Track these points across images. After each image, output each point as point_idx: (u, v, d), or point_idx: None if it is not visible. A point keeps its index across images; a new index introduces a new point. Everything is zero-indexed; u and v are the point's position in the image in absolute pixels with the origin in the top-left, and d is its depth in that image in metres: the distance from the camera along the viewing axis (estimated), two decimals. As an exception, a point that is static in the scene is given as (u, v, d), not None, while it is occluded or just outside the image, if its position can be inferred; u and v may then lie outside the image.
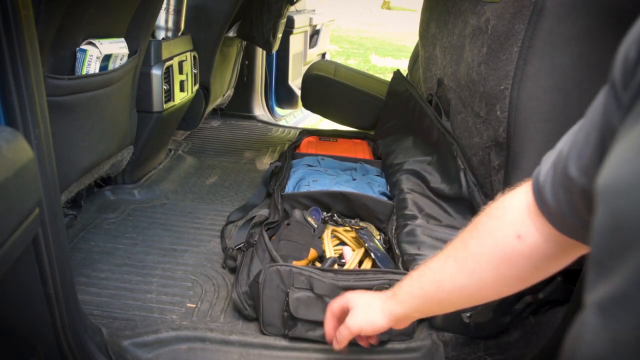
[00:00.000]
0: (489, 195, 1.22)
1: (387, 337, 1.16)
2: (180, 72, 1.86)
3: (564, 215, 0.50)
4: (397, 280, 1.12)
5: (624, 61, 0.36)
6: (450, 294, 0.67)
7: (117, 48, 1.38)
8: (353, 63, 7.39)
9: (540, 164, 0.54)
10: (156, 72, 1.70)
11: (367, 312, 0.84)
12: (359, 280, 1.11)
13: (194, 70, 1.98)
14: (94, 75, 1.31)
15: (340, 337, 0.87)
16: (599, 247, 0.32)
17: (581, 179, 0.46)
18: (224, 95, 2.73)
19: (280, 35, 2.69)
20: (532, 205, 0.55)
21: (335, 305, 0.91)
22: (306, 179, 1.72)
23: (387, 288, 1.11)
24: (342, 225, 1.51)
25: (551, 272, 0.59)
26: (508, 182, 1.05)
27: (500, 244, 0.59)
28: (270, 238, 1.40)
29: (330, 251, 1.36)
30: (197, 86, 2.08)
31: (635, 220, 0.28)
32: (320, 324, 1.12)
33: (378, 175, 1.84)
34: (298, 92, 3.14)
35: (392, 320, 0.81)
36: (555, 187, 0.50)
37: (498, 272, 0.60)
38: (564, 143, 0.50)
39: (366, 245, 1.34)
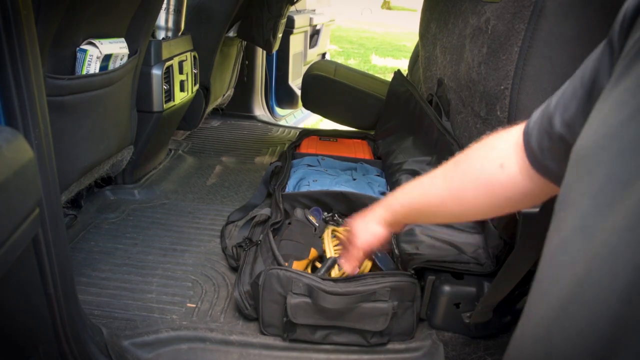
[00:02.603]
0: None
1: (387, 337, 1.16)
2: (181, 72, 1.86)
3: (544, 159, 0.55)
4: (397, 281, 1.13)
5: (621, 21, 0.39)
6: (434, 207, 0.76)
7: (117, 48, 1.38)
8: (353, 63, 7.39)
9: (535, 111, 0.59)
10: (156, 72, 1.70)
11: (367, 228, 0.95)
12: (360, 286, 1.11)
13: (194, 70, 1.98)
14: (94, 75, 1.31)
15: (352, 259, 1.01)
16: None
17: (563, 130, 0.50)
18: (224, 95, 2.73)
19: (280, 35, 2.69)
20: (519, 143, 0.60)
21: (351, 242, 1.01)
22: (306, 179, 1.72)
23: (387, 292, 1.11)
24: (342, 224, 1.51)
25: (522, 206, 0.66)
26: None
27: (485, 168, 0.64)
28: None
29: (330, 251, 1.36)
30: (197, 86, 2.08)
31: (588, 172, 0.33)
32: (319, 327, 1.13)
33: (378, 175, 1.84)
34: (298, 92, 3.14)
35: (387, 226, 0.92)
36: (540, 134, 0.54)
37: (477, 194, 0.66)
38: (555, 95, 0.54)
39: (366, 245, 1.34)
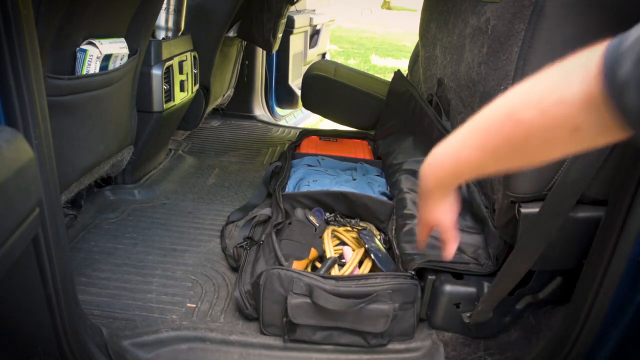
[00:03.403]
0: (489, 195, 1.22)
1: (387, 338, 1.16)
2: (181, 72, 1.86)
3: None
4: (399, 284, 1.13)
5: None
6: (486, 164, 0.60)
7: (117, 48, 1.38)
8: (353, 63, 7.39)
9: (618, 44, 0.40)
10: (156, 72, 1.70)
11: (446, 205, 0.75)
12: (360, 286, 1.11)
13: (194, 70, 1.98)
14: (94, 75, 1.31)
15: (453, 238, 0.79)
16: None
17: None
18: (224, 95, 2.73)
19: (280, 35, 2.69)
20: (598, 91, 0.41)
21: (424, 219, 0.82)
22: (306, 179, 1.72)
23: (389, 294, 1.11)
24: (343, 225, 1.51)
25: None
26: (508, 183, 1.05)
27: (550, 135, 0.48)
28: (270, 238, 1.40)
29: (330, 251, 1.36)
30: (197, 86, 2.08)
31: None
32: (319, 328, 1.12)
33: (378, 175, 1.84)
34: (298, 92, 3.14)
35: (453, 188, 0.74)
36: None
37: (541, 153, 0.52)
38: None
39: (367, 246, 1.34)
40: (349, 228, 1.49)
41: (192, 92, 2.00)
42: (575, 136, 0.45)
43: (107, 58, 1.36)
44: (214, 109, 2.72)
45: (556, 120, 0.46)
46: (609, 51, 0.41)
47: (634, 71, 0.37)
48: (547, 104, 0.47)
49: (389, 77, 2.38)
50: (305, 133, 2.25)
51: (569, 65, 0.47)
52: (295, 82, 3.27)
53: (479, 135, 0.59)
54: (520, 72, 0.97)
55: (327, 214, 1.54)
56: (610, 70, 0.40)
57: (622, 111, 0.40)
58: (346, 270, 1.29)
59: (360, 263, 1.34)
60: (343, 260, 1.36)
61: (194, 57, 1.98)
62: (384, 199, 1.59)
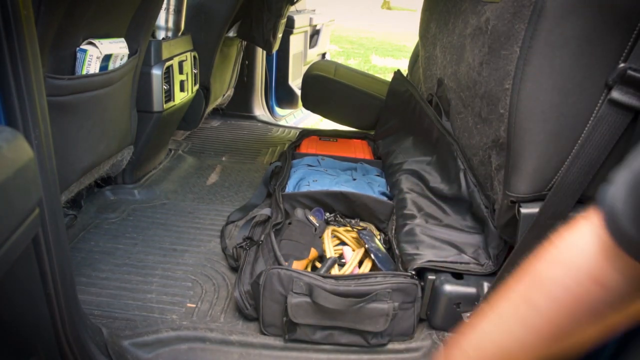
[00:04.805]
0: (490, 195, 1.22)
1: (387, 338, 1.16)
2: (181, 72, 1.86)
3: None
4: (398, 283, 1.13)
5: None
6: (523, 349, 0.56)
7: (117, 48, 1.38)
8: (353, 63, 7.39)
9: (608, 190, 0.45)
10: (156, 72, 1.70)
11: None
12: (360, 285, 1.11)
13: (194, 70, 1.98)
14: (94, 75, 1.31)
15: None
16: None
17: None
18: (224, 95, 2.73)
19: (280, 35, 2.69)
20: (607, 243, 0.45)
21: None
22: (306, 179, 1.72)
23: (389, 293, 1.11)
24: (343, 225, 1.51)
25: (632, 310, 0.50)
26: (508, 183, 1.05)
27: (575, 293, 0.49)
28: (270, 238, 1.40)
29: (330, 251, 1.36)
30: (197, 86, 2.08)
31: None
32: (319, 327, 1.13)
33: (378, 175, 1.84)
34: (298, 92, 3.14)
35: None
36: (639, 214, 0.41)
37: (582, 327, 0.50)
38: (635, 160, 0.42)
39: (367, 246, 1.34)
40: (349, 228, 1.49)
41: (192, 92, 2.01)
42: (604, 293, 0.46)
43: (107, 58, 1.36)
44: (214, 109, 2.72)
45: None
46: (605, 210, 0.45)
47: (624, 206, 0.41)
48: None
49: (389, 77, 2.38)
50: (305, 133, 2.25)
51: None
52: (295, 82, 3.27)
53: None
54: (521, 72, 0.97)
55: (327, 214, 1.54)
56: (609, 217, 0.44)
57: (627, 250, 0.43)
58: (346, 270, 1.29)
59: (360, 263, 1.34)
60: (343, 260, 1.36)
61: (194, 57, 1.98)
62: (384, 199, 1.59)
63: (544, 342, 0.53)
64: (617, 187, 0.43)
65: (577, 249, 0.48)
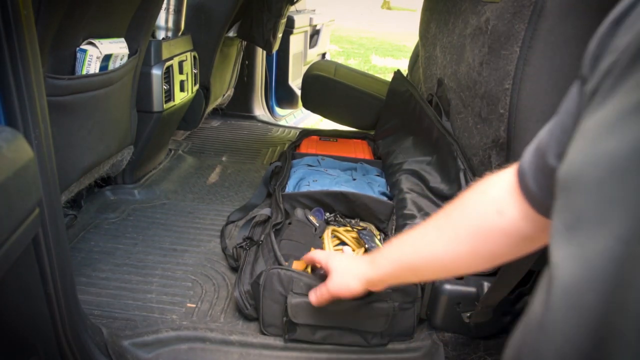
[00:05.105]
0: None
1: (387, 338, 1.16)
2: (181, 72, 1.86)
3: (543, 198, 0.52)
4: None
5: (589, 57, 0.40)
6: (426, 262, 0.70)
7: (117, 48, 1.38)
8: (353, 63, 7.39)
9: (525, 150, 0.56)
10: (156, 72, 1.70)
11: (344, 277, 0.91)
12: None
13: (194, 70, 1.98)
14: (94, 75, 1.31)
15: (320, 297, 0.98)
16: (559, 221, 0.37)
17: (558, 164, 0.47)
18: (224, 95, 2.73)
19: (280, 35, 2.69)
20: (515, 185, 0.57)
21: (316, 258, 1.03)
22: (306, 179, 1.72)
23: (388, 293, 1.11)
24: (343, 225, 1.51)
25: (525, 251, 0.61)
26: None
27: (481, 217, 0.61)
28: (270, 238, 1.40)
29: (330, 251, 1.36)
30: (197, 86, 2.08)
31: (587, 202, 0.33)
32: (319, 327, 1.13)
33: (378, 175, 1.84)
34: (298, 92, 3.14)
35: (368, 285, 0.88)
36: (536, 172, 0.53)
37: (474, 244, 0.62)
38: (545, 131, 0.52)
39: (367, 246, 1.34)
40: (349, 228, 1.49)
41: (192, 92, 2.01)
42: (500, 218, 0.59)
43: (107, 58, 1.36)
44: (214, 109, 2.72)
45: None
46: (519, 163, 0.57)
47: (527, 164, 0.54)
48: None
49: (389, 77, 2.38)
50: (305, 133, 2.25)
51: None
52: (295, 82, 3.27)
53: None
54: (521, 72, 0.97)
55: (327, 214, 1.54)
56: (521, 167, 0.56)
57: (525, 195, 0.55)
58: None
59: (360, 263, 1.34)
60: (343, 260, 1.36)
61: (194, 57, 1.98)
62: (384, 199, 1.59)
63: (449, 257, 0.66)
64: (528, 150, 0.55)
65: (493, 183, 0.61)
